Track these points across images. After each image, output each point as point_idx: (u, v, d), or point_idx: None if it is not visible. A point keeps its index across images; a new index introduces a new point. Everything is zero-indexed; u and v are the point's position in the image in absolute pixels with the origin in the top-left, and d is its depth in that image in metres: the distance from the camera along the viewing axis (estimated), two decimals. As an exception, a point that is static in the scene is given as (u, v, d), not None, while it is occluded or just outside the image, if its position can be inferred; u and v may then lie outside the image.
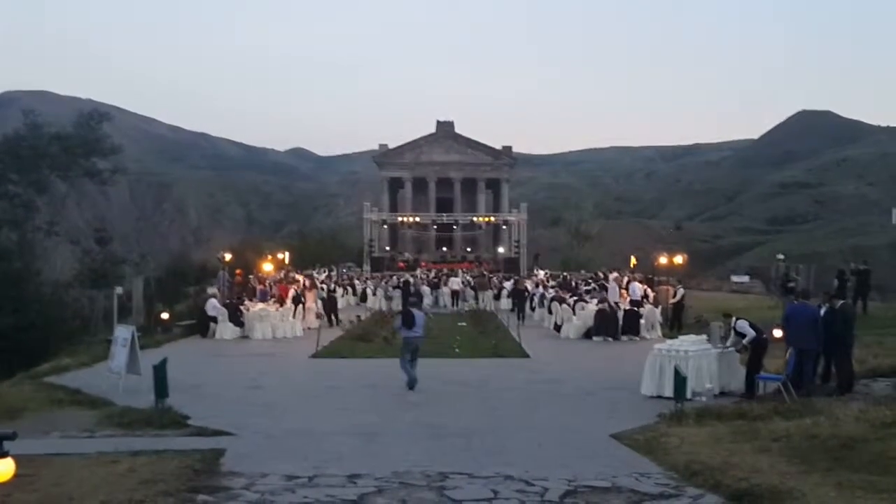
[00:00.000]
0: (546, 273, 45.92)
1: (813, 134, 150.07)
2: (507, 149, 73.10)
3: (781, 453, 8.43)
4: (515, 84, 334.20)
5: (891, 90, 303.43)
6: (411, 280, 38.91)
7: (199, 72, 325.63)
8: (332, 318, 28.47)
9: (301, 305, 26.87)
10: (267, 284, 31.30)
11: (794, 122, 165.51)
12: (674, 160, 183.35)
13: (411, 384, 14.32)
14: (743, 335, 13.55)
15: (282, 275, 36.05)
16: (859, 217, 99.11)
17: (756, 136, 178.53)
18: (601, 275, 40.27)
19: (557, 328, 25.36)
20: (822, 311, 13.42)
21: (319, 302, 29.15)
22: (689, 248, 74.91)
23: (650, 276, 33.01)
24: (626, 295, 27.86)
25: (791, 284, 25.62)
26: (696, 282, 44.89)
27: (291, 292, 27.68)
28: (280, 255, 49.56)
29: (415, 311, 15.59)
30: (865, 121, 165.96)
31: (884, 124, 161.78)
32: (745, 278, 44.44)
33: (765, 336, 13.57)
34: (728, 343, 13.97)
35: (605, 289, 27.44)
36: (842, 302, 13.74)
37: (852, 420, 9.52)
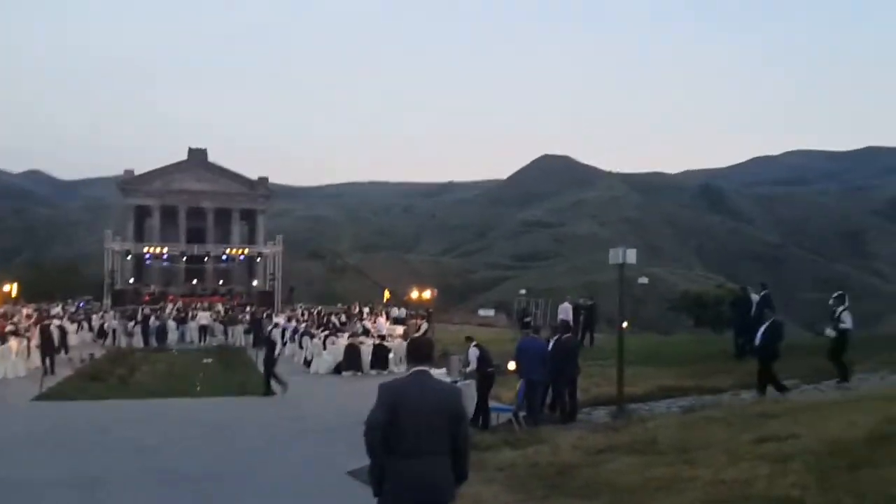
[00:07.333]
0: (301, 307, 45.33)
1: (553, 177, 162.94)
2: (264, 180, 71.99)
3: (505, 483, 8.82)
4: (273, 115, 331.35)
5: (620, 139, 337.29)
6: (151, 315, 36.75)
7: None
8: (48, 361, 22.84)
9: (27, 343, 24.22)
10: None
11: (538, 164, 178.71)
12: (430, 197, 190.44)
13: None
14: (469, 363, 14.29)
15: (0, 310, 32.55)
16: (592, 255, 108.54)
17: (504, 177, 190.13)
18: (355, 308, 40.69)
19: (307, 363, 25.13)
20: (550, 345, 14.40)
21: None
22: (444, 282, 77.87)
23: (419, 311, 32.78)
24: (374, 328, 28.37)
25: (527, 319, 27.35)
26: (447, 315, 46.61)
27: (9, 327, 24.88)
28: (6, 288, 44.88)
29: None
30: (599, 166, 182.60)
31: (615, 170, 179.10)
32: (491, 312, 46.82)
33: (490, 370, 14.16)
34: (465, 369, 14.58)
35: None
36: (567, 335, 14.79)
37: (570, 447, 10.18)
